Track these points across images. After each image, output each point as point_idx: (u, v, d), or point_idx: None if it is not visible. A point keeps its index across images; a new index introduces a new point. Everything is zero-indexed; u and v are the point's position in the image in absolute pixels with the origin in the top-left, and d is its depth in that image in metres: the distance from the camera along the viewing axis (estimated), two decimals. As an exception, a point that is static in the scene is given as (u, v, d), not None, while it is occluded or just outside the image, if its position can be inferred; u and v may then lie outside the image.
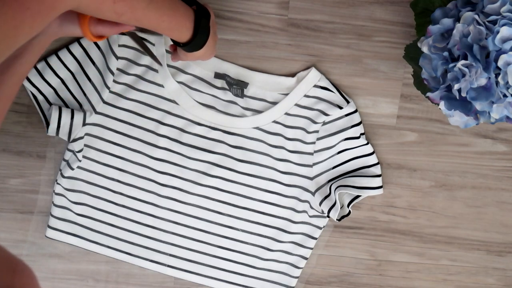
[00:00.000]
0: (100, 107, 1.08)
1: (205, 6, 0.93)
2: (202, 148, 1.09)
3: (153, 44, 1.06)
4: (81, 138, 1.08)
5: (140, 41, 1.02)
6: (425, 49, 0.88)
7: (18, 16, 0.63)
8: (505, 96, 0.83)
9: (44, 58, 1.07)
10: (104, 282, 1.15)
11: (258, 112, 1.09)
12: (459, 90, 0.85)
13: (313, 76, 1.07)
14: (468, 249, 1.15)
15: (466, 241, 1.15)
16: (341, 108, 1.07)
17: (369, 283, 1.16)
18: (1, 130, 1.10)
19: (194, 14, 0.90)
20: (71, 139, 1.07)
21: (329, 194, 1.08)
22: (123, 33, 0.98)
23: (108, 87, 1.07)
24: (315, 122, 1.08)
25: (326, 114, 1.07)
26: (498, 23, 0.81)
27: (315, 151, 1.09)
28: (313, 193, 1.10)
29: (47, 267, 1.15)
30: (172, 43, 0.98)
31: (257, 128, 1.09)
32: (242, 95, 1.08)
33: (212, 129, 1.09)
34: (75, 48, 1.07)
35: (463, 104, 0.86)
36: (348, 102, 1.08)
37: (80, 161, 1.09)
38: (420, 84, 0.97)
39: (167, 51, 1.06)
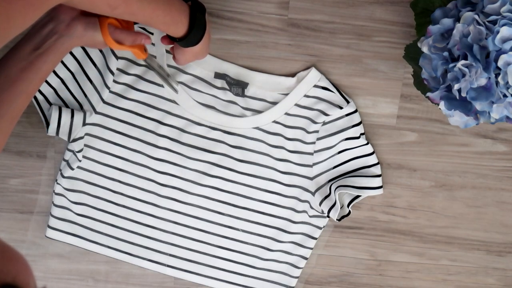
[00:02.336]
0: (100, 107, 1.08)
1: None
2: (202, 148, 1.09)
3: (153, 44, 1.07)
4: (81, 138, 1.08)
5: (158, 69, 1.02)
6: (425, 49, 0.88)
7: (10, 8, 0.63)
8: (505, 96, 0.83)
9: (44, 58, 1.07)
10: (104, 282, 1.15)
11: (258, 112, 1.09)
12: (459, 90, 0.85)
13: (313, 76, 1.07)
14: (468, 249, 1.15)
15: (466, 241, 1.15)
16: (341, 108, 1.07)
17: (369, 283, 1.16)
18: (1, 130, 1.10)
19: (189, 8, 0.90)
20: (71, 139, 1.07)
21: (329, 194, 1.08)
22: (144, 64, 1.00)
23: (108, 87, 1.07)
24: (315, 122, 1.08)
25: (326, 114, 1.07)
26: (498, 23, 0.81)
27: (315, 151, 1.09)
28: (313, 193, 1.10)
29: (47, 267, 1.15)
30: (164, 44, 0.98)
31: (257, 128, 1.09)
32: (243, 94, 1.08)
33: (212, 129, 1.09)
34: (75, 48, 1.07)
35: (463, 104, 0.86)
36: (348, 102, 1.08)
37: (80, 161, 1.09)
38: (420, 84, 0.97)
39: (167, 51, 1.06)
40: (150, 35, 1.06)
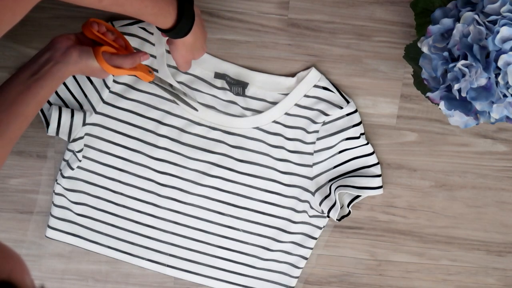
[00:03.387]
0: (100, 107, 1.08)
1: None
2: (202, 148, 1.09)
3: (153, 44, 1.07)
4: (81, 138, 1.08)
5: (170, 88, 1.03)
6: (425, 49, 0.88)
7: (0, 4, 0.65)
8: (505, 96, 0.83)
9: (44, 58, 1.07)
10: (104, 282, 1.15)
11: (258, 112, 1.09)
12: (459, 90, 0.85)
13: (313, 76, 1.07)
14: (468, 249, 1.15)
15: (466, 241, 1.15)
16: (341, 108, 1.07)
17: (369, 283, 1.16)
18: (1, 130, 1.10)
19: None
20: (71, 139, 1.07)
21: (329, 194, 1.08)
22: (152, 83, 1.02)
23: (108, 87, 1.07)
24: (315, 122, 1.08)
25: (326, 114, 1.07)
26: (498, 23, 0.81)
27: (315, 151, 1.09)
28: (313, 193, 1.10)
29: (47, 267, 1.15)
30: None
31: (257, 128, 1.09)
32: (243, 93, 1.08)
33: (212, 129, 1.09)
34: (75, 48, 1.07)
35: (463, 104, 0.86)
36: (348, 102, 1.08)
37: (80, 161, 1.09)
38: (420, 84, 0.97)
39: (167, 51, 1.06)
40: (150, 35, 1.06)
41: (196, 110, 1.06)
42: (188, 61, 0.99)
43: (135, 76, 1.00)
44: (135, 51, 0.99)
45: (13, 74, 0.85)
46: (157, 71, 1.07)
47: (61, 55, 0.87)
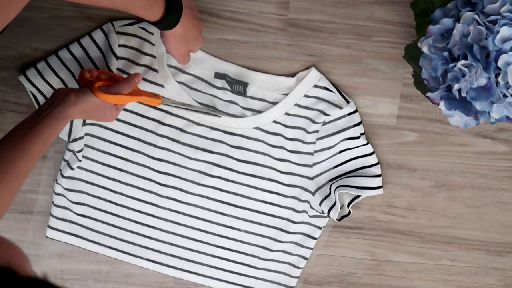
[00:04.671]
0: (100, 107, 1.08)
1: None
2: (202, 148, 1.09)
3: (153, 44, 1.07)
4: (81, 138, 1.08)
5: (185, 106, 1.06)
6: (425, 49, 0.88)
7: None
8: (505, 96, 0.83)
9: (44, 58, 1.07)
10: (104, 282, 1.15)
11: (258, 112, 1.09)
12: (459, 90, 0.85)
13: (313, 76, 1.07)
14: (468, 249, 1.15)
15: (466, 241, 1.15)
16: (341, 108, 1.07)
17: (369, 283, 1.16)
18: (1, 130, 1.10)
19: None
20: (71, 139, 1.07)
21: (329, 194, 1.07)
22: (165, 105, 1.06)
23: (108, 87, 1.07)
24: (315, 122, 1.08)
25: (326, 114, 1.07)
26: (498, 23, 0.81)
27: (315, 151, 1.09)
28: (313, 193, 1.10)
29: (47, 267, 1.15)
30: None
31: (257, 128, 1.09)
32: (245, 92, 1.08)
33: (212, 129, 1.09)
34: (75, 48, 1.07)
35: (463, 104, 0.86)
36: (348, 102, 1.08)
37: (80, 161, 1.08)
38: (420, 84, 0.97)
39: (167, 51, 1.06)
40: (150, 35, 1.07)
41: (219, 116, 1.07)
42: (183, 53, 0.99)
43: (142, 103, 1.04)
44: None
45: (19, 122, 0.91)
46: (157, 71, 1.07)
47: (61, 99, 0.92)
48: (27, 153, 0.85)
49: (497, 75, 0.82)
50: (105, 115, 0.99)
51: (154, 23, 0.92)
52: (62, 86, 1.07)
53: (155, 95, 1.02)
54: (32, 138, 0.86)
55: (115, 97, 0.96)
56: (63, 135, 1.07)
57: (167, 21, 0.91)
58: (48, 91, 1.07)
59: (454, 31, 0.84)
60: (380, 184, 1.09)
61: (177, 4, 0.91)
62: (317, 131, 1.08)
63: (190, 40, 0.98)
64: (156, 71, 1.07)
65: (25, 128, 0.87)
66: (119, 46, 1.06)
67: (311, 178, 1.10)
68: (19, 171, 0.84)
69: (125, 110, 1.08)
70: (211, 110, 1.07)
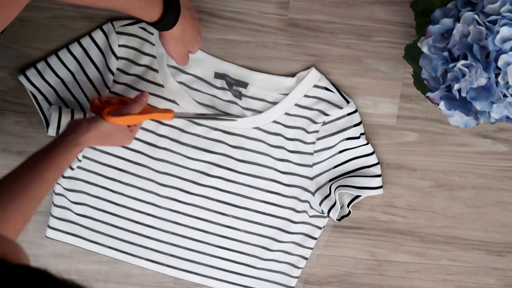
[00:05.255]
0: (100, 107, 1.08)
1: None
2: (202, 148, 1.09)
3: (153, 44, 1.07)
4: (81, 138, 1.08)
5: (198, 115, 1.06)
6: (425, 49, 0.88)
7: None
8: (505, 96, 0.83)
9: (44, 58, 1.07)
10: (104, 282, 1.15)
11: (258, 112, 1.09)
12: (459, 90, 0.85)
13: (313, 76, 1.07)
14: (468, 249, 1.15)
15: (466, 241, 1.15)
16: (341, 108, 1.07)
17: (369, 283, 1.16)
18: (1, 130, 1.10)
19: None
20: (71, 139, 1.07)
21: (329, 194, 1.07)
22: (178, 118, 1.07)
23: (108, 87, 1.07)
24: (315, 122, 1.08)
25: (326, 114, 1.07)
26: (498, 23, 0.81)
27: (315, 151, 1.09)
28: (313, 193, 1.10)
29: (47, 267, 1.15)
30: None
31: (257, 128, 1.09)
32: (241, 97, 1.08)
33: (212, 129, 1.09)
34: (75, 48, 1.07)
35: (463, 104, 0.86)
36: (348, 102, 1.08)
37: (80, 161, 1.08)
38: (420, 84, 0.97)
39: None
40: (150, 35, 1.07)
41: (235, 120, 1.07)
42: (182, 54, 0.99)
43: (152, 119, 1.04)
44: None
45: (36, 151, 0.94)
46: (157, 71, 1.07)
47: (74, 127, 0.95)
48: (41, 178, 0.87)
49: (497, 75, 0.82)
50: (120, 138, 1.01)
51: (152, 24, 0.92)
52: (62, 86, 1.07)
53: (166, 110, 1.03)
54: (45, 164, 0.89)
55: (126, 119, 0.98)
56: (63, 135, 1.07)
57: (165, 22, 0.91)
58: (48, 91, 1.07)
59: (454, 31, 0.84)
60: (380, 184, 1.09)
61: (175, 4, 0.91)
62: (317, 131, 1.08)
63: (189, 40, 0.98)
64: (156, 71, 1.07)
65: (39, 155, 0.90)
66: (119, 46, 1.06)
67: (311, 178, 1.10)
68: (32, 194, 0.86)
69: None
70: (226, 115, 1.07)
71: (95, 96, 1.07)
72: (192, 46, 1.00)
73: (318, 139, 1.08)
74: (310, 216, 1.11)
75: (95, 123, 0.95)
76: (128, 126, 1.01)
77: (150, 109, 1.03)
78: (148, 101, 1.08)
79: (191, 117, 1.06)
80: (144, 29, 1.06)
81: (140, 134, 1.09)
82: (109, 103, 1.00)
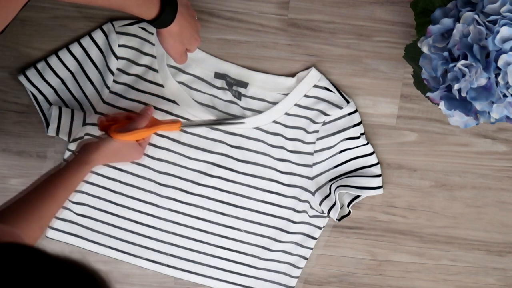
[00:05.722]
0: (100, 107, 1.08)
1: None
2: (202, 148, 1.09)
3: (153, 44, 1.07)
4: (81, 138, 1.08)
5: (206, 122, 1.06)
6: (425, 49, 0.88)
7: None
8: (505, 96, 0.83)
9: (44, 58, 1.07)
10: (104, 282, 1.15)
11: (258, 112, 1.09)
12: (459, 90, 0.85)
13: (313, 76, 1.07)
14: (468, 249, 1.15)
15: (466, 241, 1.15)
16: (341, 108, 1.07)
17: (369, 283, 1.16)
18: (1, 130, 1.10)
19: None
20: (71, 139, 1.07)
21: (329, 194, 1.07)
22: (186, 127, 1.08)
23: (108, 87, 1.07)
24: (315, 122, 1.08)
25: (326, 114, 1.07)
26: (498, 23, 0.81)
27: (315, 151, 1.09)
28: (313, 193, 1.09)
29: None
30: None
31: (257, 128, 1.09)
32: (240, 97, 1.08)
33: (212, 129, 1.09)
34: (75, 48, 1.07)
35: (463, 104, 0.86)
36: (348, 102, 1.08)
37: (80, 161, 1.09)
38: (420, 84, 0.97)
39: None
40: (150, 35, 1.07)
41: (244, 123, 1.07)
42: (180, 52, 0.99)
43: (161, 131, 1.06)
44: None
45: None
46: (157, 71, 1.07)
47: (83, 147, 0.98)
48: (50, 196, 0.90)
49: (497, 75, 0.82)
50: (130, 154, 1.02)
51: (149, 22, 0.92)
52: (62, 86, 1.07)
53: (173, 121, 1.04)
54: (55, 182, 0.91)
55: (133, 134, 0.99)
56: (63, 135, 1.07)
57: (162, 19, 0.92)
58: (48, 91, 1.07)
59: (454, 31, 0.84)
60: (380, 184, 1.09)
61: (172, 2, 0.92)
62: (317, 131, 1.08)
63: (187, 38, 0.98)
64: (156, 71, 1.07)
65: (50, 174, 0.93)
66: (119, 46, 1.06)
67: (311, 178, 1.10)
68: (41, 212, 0.88)
69: (124, 109, 1.08)
70: (233, 118, 1.07)
71: (95, 96, 1.07)
72: (190, 44, 1.00)
73: (318, 139, 1.08)
74: (310, 216, 1.11)
75: (103, 142, 0.97)
76: (137, 141, 1.02)
77: (157, 122, 1.03)
78: (148, 101, 1.08)
79: (199, 125, 1.06)
80: (144, 29, 1.06)
81: (140, 134, 1.09)
82: (116, 120, 1.02)
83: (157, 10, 0.91)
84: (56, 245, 1.14)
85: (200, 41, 1.01)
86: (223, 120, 1.07)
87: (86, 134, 1.08)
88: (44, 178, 0.92)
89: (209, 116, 1.08)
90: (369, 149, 1.09)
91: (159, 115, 1.08)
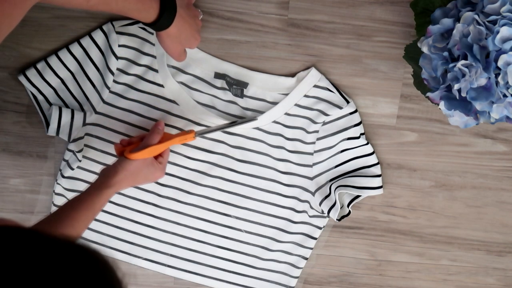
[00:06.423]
0: (100, 107, 1.08)
1: None
2: (202, 148, 1.09)
3: (153, 44, 1.07)
4: (81, 138, 1.08)
5: (219, 126, 1.06)
6: (425, 49, 0.88)
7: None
8: (505, 96, 0.83)
9: (44, 58, 1.07)
10: (104, 282, 1.15)
11: (258, 112, 1.09)
12: (459, 90, 0.85)
13: (313, 76, 1.07)
14: (468, 249, 1.15)
15: (466, 241, 1.15)
16: (341, 108, 1.07)
17: (369, 283, 1.16)
18: (1, 130, 1.10)
19: None
20: (71, 139, 1.07)
21: (329, 194, 1.07)
22: (201, 136, 1.08)
23: (108, 87, 1.07)
24: (315, 122, 1.08)
25: (326, 114, 1.07)
26: (498, 23, 0.81)
27: (315, 151, 1.09)
28: (313, 193, 1.09)
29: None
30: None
31: (257, 128, 1.09)
32: (242, 95, 1.08)
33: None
34: (75, 48, 1.07)
35: (463, 104, 0.86)
36: (348, 102, 1.08)
37: (80, 161, 1.08)
38: (420, 84, 0.97)
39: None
40: (150, 35, 1.07)
41: (256, 119, 1.07)
42: (178, 52, 1.00)
43: (176, 142, 1.04)
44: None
45: None
46: (157, 71, 1.07)
47: (102, 173, 0.98)
48: (71, 218, 0.91)
49: (497, 75, 0.82)
50: (151, 173, 1.01)
51: (148, 25, 0.93)
52: (62, 86, 1.08)
53: (187, 132, 1.03)
54: (75, 206, 0.92)
55: (147, 151, 0.98)
56: (63, 135, 1.07)
57: (161, 23, 0.92)
58: (48, 91, 1.07)
59: (454, 31, 0.84)
60: (380, 184, 1.09)
61: (171, 6, 0.92)
62: (317, 131, 1.08)
63: (185, 39, 0.98)
64: (156, 71, 1.07)
65: (71, 199, 0.95)
66: (119, 46, 1.06)
67: (311, 178, 1.10)
68: (65, 232, 0.88)
69: (125, 110, 1.08)
70: (246, 118, 1.07)
71: (95, 96, 1.07)
72: (190, 43, 1.00)
73: (318, 139, 1.08)
74: (310, 216, 1.11)
75: (120, 165, 0.97)
76: (156, 158, 1.02)
77: (170, 136, 1.03)
78: (148, 102, 1.08)
79: (213, 131, 1.05)
80: (144, 29, 1.06)
81: (140, 134, 1.08)
82: (130, 142, 1.02)
83: (156, 14, 0.91)
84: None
85: (200, 40, 1.01)
86: (235, 122, 1.06)
87: (86, 134, 1.08)
88: (70, 201, 0.94)
89: (210, 116, 1.08)
90: (369, 149, 1.09)
91: (159, 116, 1.08)
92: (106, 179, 0.96)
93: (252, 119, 1.06)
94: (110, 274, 0.51)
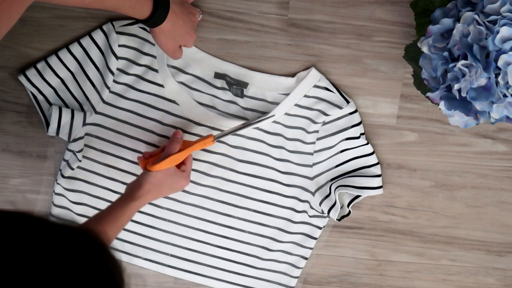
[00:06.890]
0: (100, 107, 1.08)
1: None
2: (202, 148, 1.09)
3: (153, 44, 1.07)
4: (81, 138, 1.08)
5: (235, 128, 1.06)
6: (425, 49, 0.88)
7: None
8: (505, 96, 0.83)
9: (44, 58, 1.07)
10: (104, 282, 1.15)
11: (259, 112, 1.09)
12: (459, 90, 0.85)
13: (313, 76, 1.07)
14: (468, 249, 1.15)
15: (466, 241, 1.15)
16: (341, 108, 1.07)
17: (369, 283, 1.16)
18: (1, 130, 1.10)
19: None
20: (71, 139, 1.07)
21: (329, 194, 1.07)
22: (219, 141, 1.07)
23: (108, 87, 1.07)
24: (315, 122, 1.08)
25: (326, 114, 1.07)
26: (498, 23, 0.81)
27: (315, 151, 1.09)
28: (313, 193, 1.09)
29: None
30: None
31: (257, 128, 1.09)
32: (242, 95, 1.08)
33: (212, 129, 1.09)
34: (75, 48, 1.07)
35: (463, 104, 0.86)
36: (348, 102, 1.08)
37: (80, 161, 1.08)
38: (420, 84, 0.97)
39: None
40: (150, 35, 1.07)
41: (273, 115, 1.07)
42: (172, 48, 1.00)
43: (195, 146, 1.04)
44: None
45: None
46: (157, 71, 1.07)
47: (128, 187, 1.00)
48: (96, 231, 0.91)
49: (497, 75, 0.82)
50: (176, 182, 1.02)
51: (142, 21, 0.93)
52: (62, 86, 1.07)
53: (206, 137, 1.03)
54: (103, 218, 0.94)
55: (168, 161, 0.99)
56: (63, 135, 1.07)
57: (154, 19, 0.93)
58: (48, 91, 1.07)
59: (454, 31, 0.84)
60: (380, 184, 1.09)
61: (164, 2, 0.93)
62: (317, 131, 1.08)
63: (180, 35, 0.99)
64: (156, 71, 1.07)
65: (98, 212, 0.96)
66: (119, 46, 1.06)
67: (311, 178, 1.10)
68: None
69: (125, 110, 1.08)
70: (261, 116, 1.07)
71: (95, 96, 1.07)
72: (185, 41, 1.01)
73: (318, 139, 1.08)
74: (310, 216, 1.11)
75: (144, 178, 0.98)
76: (179, 167, 1.02)
77: (190, 143, 1.03)
78: (148, 102, 1.08)
79: (230, 132, 1.05)
80: (144, 29, 1.06)
81: (140, 134, 1.08)
82: (152, 155, 1.03)
83: (149, 11, 0.92)
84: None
85: (195, 37, 1.02)
86: (252, 121, 1.06)
87: (86, 134, 1.08)
88: (97, 213, 0.94)
89: (210, 116, 1.08)
90: (369, 149, 1.09)
91: (159, 116, 1.08)
92: (131, 192, 0.97)
93: (269, 116, 1.06)
94: (116, 270, 0.53)
